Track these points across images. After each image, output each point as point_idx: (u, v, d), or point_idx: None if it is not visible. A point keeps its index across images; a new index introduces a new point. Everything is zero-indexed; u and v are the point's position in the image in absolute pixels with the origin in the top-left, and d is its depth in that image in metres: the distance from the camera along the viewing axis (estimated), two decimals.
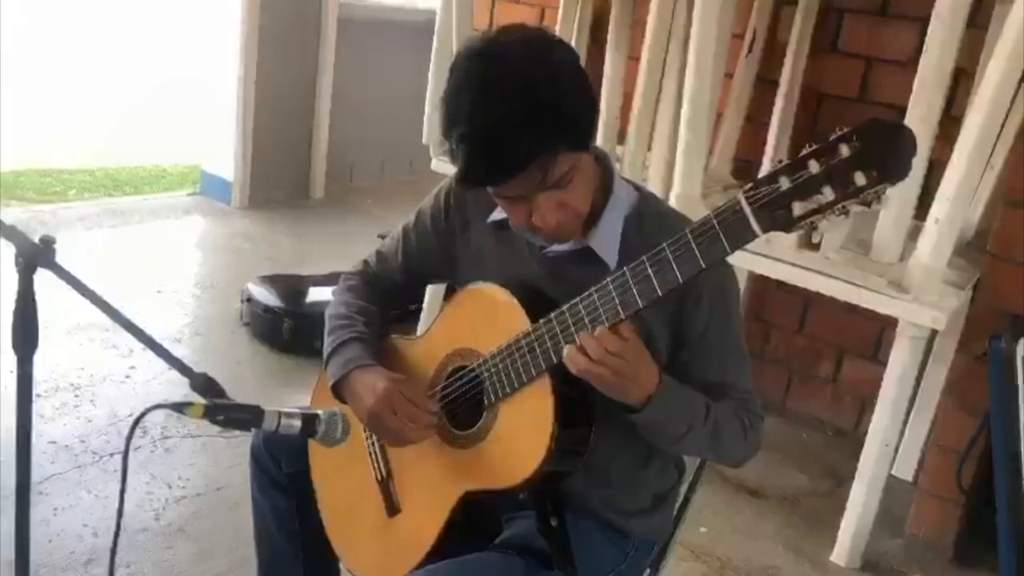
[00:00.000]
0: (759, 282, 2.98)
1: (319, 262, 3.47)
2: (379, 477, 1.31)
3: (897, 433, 2.21)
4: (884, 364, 2.23)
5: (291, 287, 3.12)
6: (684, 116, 2.38)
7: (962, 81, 2.49)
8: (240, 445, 2.37)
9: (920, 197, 2.18)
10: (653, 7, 2.64)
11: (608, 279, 1.09)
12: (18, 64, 7.17)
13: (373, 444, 1.32)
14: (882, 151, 0.94)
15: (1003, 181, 2.38)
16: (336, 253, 3.62)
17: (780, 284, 2.94)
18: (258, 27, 4.19)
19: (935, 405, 2.54)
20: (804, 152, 0.98)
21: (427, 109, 3.00)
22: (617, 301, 1.08)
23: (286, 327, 2.93)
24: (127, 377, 2.66)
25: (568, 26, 3.10)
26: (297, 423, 1.09)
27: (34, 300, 1.24)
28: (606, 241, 1.20)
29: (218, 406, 1.06)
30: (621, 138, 2.80)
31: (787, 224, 0.99)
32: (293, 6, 4.35)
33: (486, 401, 1.21)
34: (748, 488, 2.60)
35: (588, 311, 1.10)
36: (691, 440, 1.19)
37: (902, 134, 0.95)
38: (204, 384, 1.08)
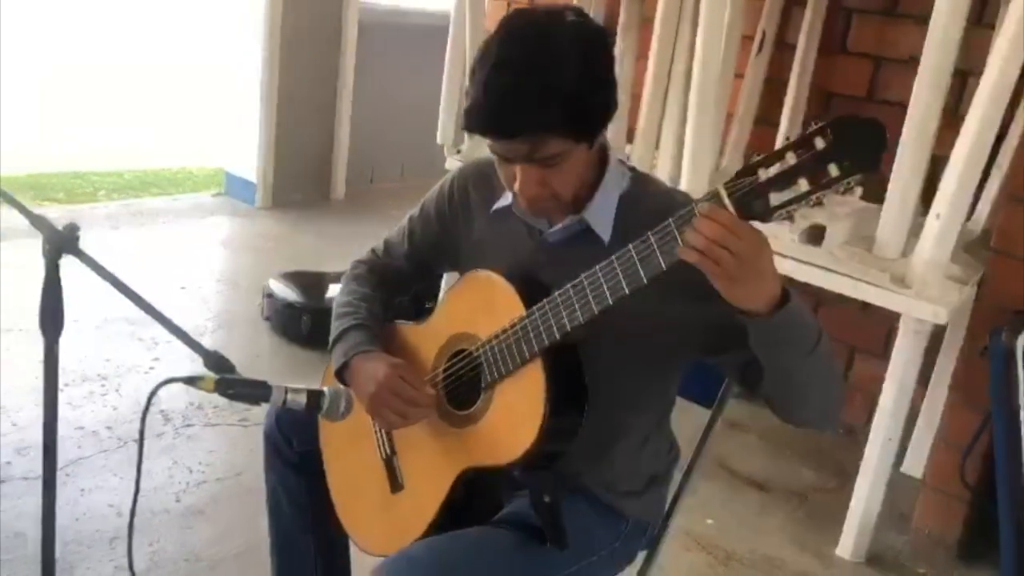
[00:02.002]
0: None
1: (339, 260, 3.52)
2: (384, 455, 1.37)
3: (900, 427, 2.23)
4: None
5: (311, 283, 3.20)
6: (691, 115, 2.43)
7: (971, 81, 2.51)
8: (257, 434, 2.45)
9: (927, 195, 2.21)
10: (660, 7, 2.69)
11: (597, 267, 1.13)
12: (49, 71, 7.36)
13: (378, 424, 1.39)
14: (854, 143, 0.98)
15: (1009, 180, 2.40)
16: (355, 252, 3.65)
17: (791, 281, 2.98)
18: (280, 33, 4.30)
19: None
20: (781, 145, 1.03)
21: (442, 109, 3.07)
22: (605, 287, 1.13)
23: (305, 322, 3.01)
24: (151, 368, 2.75)
25: None
26: (302, 398, 1.16)
27: (60, 285, 1.32)
28: (601, 215, 1.25)
29: (228, 380, 1.13)
30: (630, 137, 2.85)
31: (764, 213, 1.03)
32: (314, 12, 4.45)
33: (483, 383, 1.26)
34: (755, 482, 2.64)
35: (578, 297, 1.15)
36: (823, 354, 1.10)
37: (873, 127, 0.99)
38: (216, 361, 1.15)
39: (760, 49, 2.99)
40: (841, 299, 2.33)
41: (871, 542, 2.34)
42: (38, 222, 1.30)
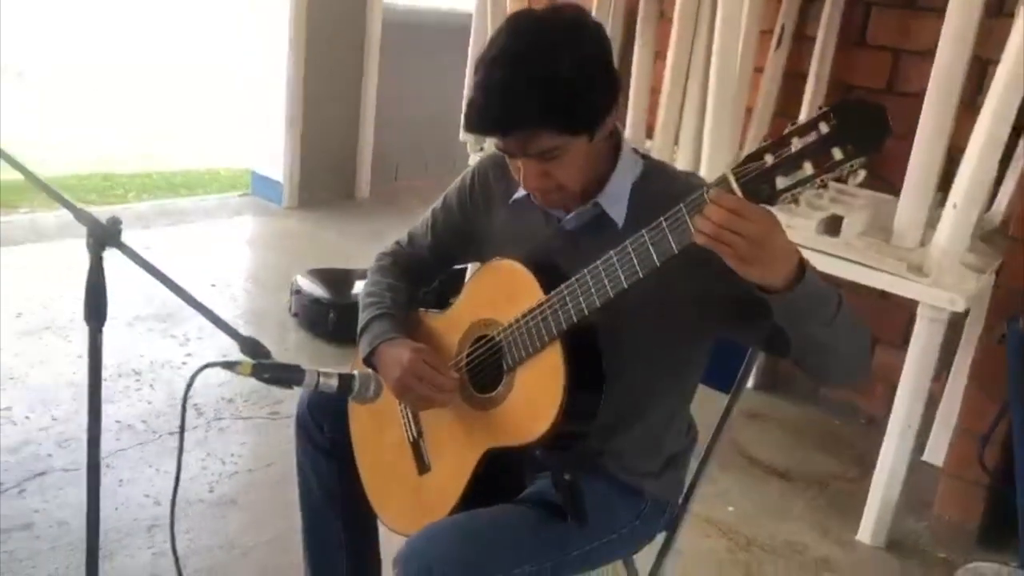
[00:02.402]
0: None
1: (364, 258, 3.56)
2: (411, 438, 1.43)
3: (919, 415, 2.25)
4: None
5: (337, 280, 3.27)
6: (709, 109, 2.47)
7: (991, 71, 2.52)
8: (286, 427, 2.52)
9: (944, 185, 2.23)
10: (678, 3, 2.72)
11: (612, 252, 1.18)
12: (80, 76, 7.51)
13: (405, 408, 1.44)
14: (857, 128, 1.01)
15: None
16: (381, 249, 3.76)
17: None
18: (305, 35, 4.38)
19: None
20: (787, 130, 1.06)
21: (464, 106, 3.12)
22: (620, 272, 1.17)
23: (331, 318, 3.08)
24: (183, 364, 2.83)
25: (602, 23, 3.19)
26: (334, 381, 1.22)
27: (103, 277, 1.38)
28: (614, 201, 1.29)
29: (264, 365, 1.19)
30: (649, 133, 2.89)
31: (770, 197, 1.06)
32: (338, 14, 4.52)
33: (505, 366, 1.31)
34: (777, 471, 2.67)
35: (595, 281, 1.20)
36: (842, 319, 1.13)
37: (875, 111, 1.02)
38: (252, 347, 1.21)
39: (779, 43, 3.01)
40: (860, 290, 2.35)
41: (892, 528, 2.36)
42: (82, 216, 1.36)
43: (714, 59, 2.43)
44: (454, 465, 1.36)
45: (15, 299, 3.11)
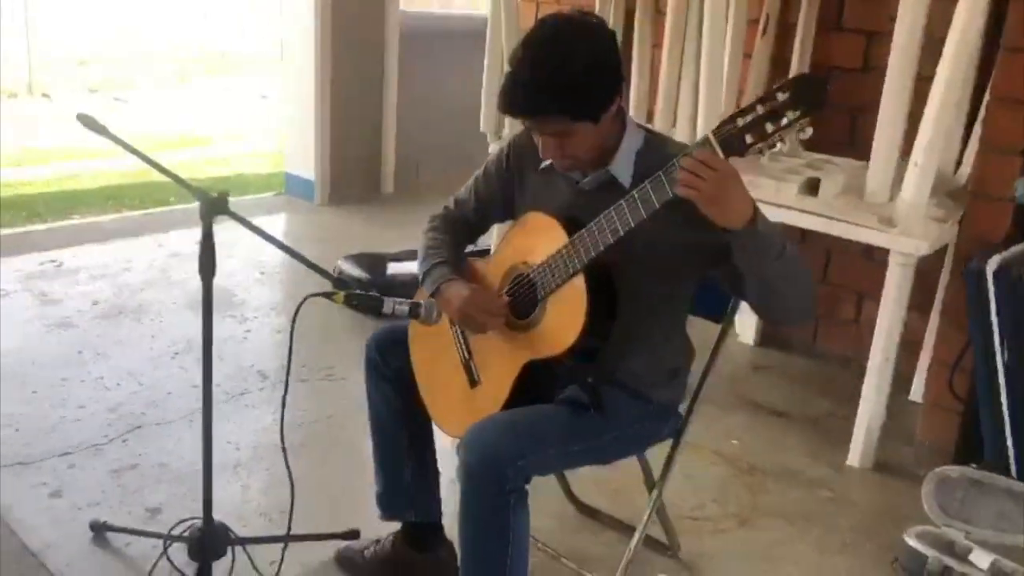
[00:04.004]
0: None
1: (392, 246, 3.97)
2: (462, 359, 1.77)
3: (895, 347, 2.56)
4: None
5: (373, 262, 3.62)
6: (702, 94, 2.80)
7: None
8: (340, 387, 2.87)
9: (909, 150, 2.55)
10: (670, 0, 3.06)
11: (621, 200, 1.52)
12: (124, 85, 7.92)
13: (457, 334, 1.78)
14: (804, 94, 1.35)
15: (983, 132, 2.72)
16: (405, 239, 4.09)
17: (804, 238, 3.33)
18: (330, 46, 4.73)
19: None
20: (754, 99, 1.40)
21: (483, 101, 3.47)
22: (628, 213, 1.51)
23: (373, 294, 3.43)
24: (244, 338, 3.19)
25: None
26: (405, 308, 1.57)
27: (213, 239, 1.73)
28: (622, 167, 1.62)
29: (353, 294, 1.54)
30: (650, 117, 3.22)
31: (741, 150, 1.40)
32: (358, 23, 4.87)
33: (538, 296, 1.65)
34: (776, 411, 2.99)
35: (608, 223, 1.54)
36: (789, 258, 1.45)
37: (817, 81, 1.37)
38: (340, 282, 1.56)
39: (765, 31, 3.33)
40: (848, 248, 2.65)
41: (878, 453, 2.67)
42: (195, 191, 1.71)
43: (703, 48, 2.76)
44: (499, 377, 1.70)
45: (90, 291, 3.48)
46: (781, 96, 1.36)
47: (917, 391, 3.05)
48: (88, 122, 1.69)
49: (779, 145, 1.44)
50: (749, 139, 1.39)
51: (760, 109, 1.38)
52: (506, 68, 1.59)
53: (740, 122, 1.39)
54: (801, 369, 3.35)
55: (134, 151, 1.73)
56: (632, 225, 1.51)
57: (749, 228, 1.42)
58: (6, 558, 1.97)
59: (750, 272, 1.50)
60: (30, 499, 2.19)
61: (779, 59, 3.33)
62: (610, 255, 1.56)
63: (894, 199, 2.51)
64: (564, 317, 1.61)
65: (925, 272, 2.86)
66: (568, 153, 1.60)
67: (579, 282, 1.59)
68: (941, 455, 2.70)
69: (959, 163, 2.83)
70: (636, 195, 1.50)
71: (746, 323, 3.50)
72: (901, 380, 3.05)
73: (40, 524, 2.09)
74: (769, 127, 1.37)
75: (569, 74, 1.51)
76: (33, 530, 2.07)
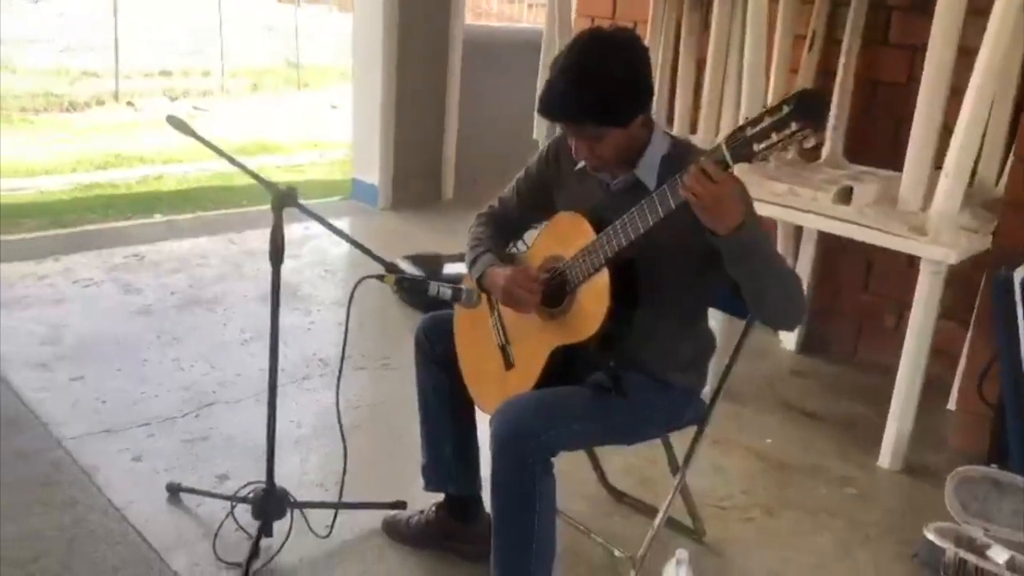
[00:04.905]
0: (828, 249, 3.47)
1: (449, 249, 4.18)
2: (500, 343, 1.94)
3: (926, 352, 2.64)
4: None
5: (430, 262, 3.84)
6: (744, 106, 2.92)
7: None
8: (393, 375, 3.07)
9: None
10: (715, 16, 3.19)
11: (642, 202, 1.67)
12: (202, 95, 8.36)
13: (496, 321, 1.95)
14: (807, 109, 1.48)
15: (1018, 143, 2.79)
16: (462, 243, 4.25)
17: (846, 248, 3.42)
18: (396, 58, 4.98)
19: None
20: (761, 111, 1.54)
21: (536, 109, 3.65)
22: (648, 214, 1.66)
23: (428, 290, 3.64)
24: (308, 329, 3.43)
25: (656, 37, 3.68)
26: (449, 291, 1.76)
27: (282, 229, 1.93)
28: (648, 171, 1.78)
29: (403, 277, 1.73)
30: (693, 128, 3.35)
31: (749, 158, 1.54)
32: (424, 36, 5.11)
33: (568, 287, 1.82)
34: (810, 413, 3.08)
35: (630, 223, 1.69)
36: (777, 265, 1.66)
37: (820, 97, 1.52)
38: (392, 266, 1.75)
39: (811, 46, 3.43)
40: (891, 260, 2.71)
41: (910, 457, 2.74)
42: (267, 184, 1.92)
43: (746, 63, 2.89)
44: (531, 360, 1.87)
45: (169, 282, 3.77)
46: (786, 108, 1.49)
47: (955, 400, 3.10)
48: (177, 124, 1.92)
49: (789, 152, 1.58)
50: (756, 148, 1.53)
51: (767, 120, 1.51)
52: (546, 76, 1.76)
53: (749, 131, 1.53)
54: (840, 376, 3.43)
55: (216, 150, 1.95)
56: (650, 224, 1.66)
57: (734, 235, 1.58)
58: (94, 512, 2.22)
59: (736, 275, 1.67)
60: (115, 462, 2.44)
61: (825, 73, 3.43)
62: (633, 251, 1.71)
63: (927, 209, 2.59)
64: (590, 307, 1.77)
65: (968, 283, 2.93)
66: (597, 155, 1.76)
67: (604, 275, 1.75)
68: (971, 461, 2.75)
69: (1000, 175, 2.89)
70: (655, 197, 1.65)
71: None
72: (941, 390, 3.11)
73: (123, 484, 2.34)
74: (775, 136, 1.50)
75: (602, 85, 1.68)
76: (117, 489, 2.31)
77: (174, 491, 2.30)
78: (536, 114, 1.84)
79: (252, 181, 1.97)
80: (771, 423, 2.99)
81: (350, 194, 5.40)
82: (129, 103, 10.77)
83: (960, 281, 2.93)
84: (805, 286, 3.50)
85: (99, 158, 7.88)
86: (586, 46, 1.73)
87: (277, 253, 1.93)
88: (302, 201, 1.95)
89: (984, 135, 2.69)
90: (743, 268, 1.65)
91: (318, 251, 4.31)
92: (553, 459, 1.74)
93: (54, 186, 6.78)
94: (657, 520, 2.04)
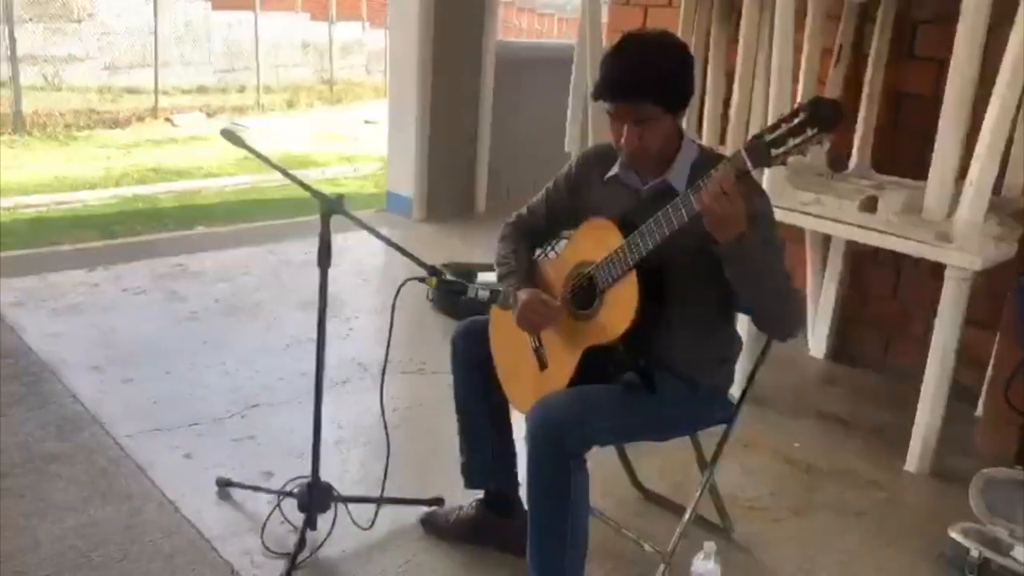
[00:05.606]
0: (856, 259, 3.52)
1: (482, 258, 4.29)
2: (534, 346, 2.03)
3: (952, 357, 2.68)
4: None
5: (463, 272, 3.92)
6: (770, 118, 2.99)
7: None
8: (431, 379, 3.17)
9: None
10: (743, 30, 3.27)
11: (667, 207, 1.76)
12: (240, 112, 8.58)
13: None
14: (821, 115, 1.56)
15: None
16: (493, 254, 4.42)
17: (875, 258, 3.47)
18: (432, 74, 5.12)
19: None
20: (778, 119, 1.62)
21: (568, 123, 3.75)
22: (674, 220, 1.74)
23: (462, 300, 3.74)
24: (347, 335, 3.54)
25: None
26: (487, 293, 1.85)
27: (330, 234, 2.05)
28: (677, 177, 1.87)
29: (443, 280, 1.83)
30: (722, 137, 3.43)
31: (768, 162, 1.63)
32: (458, 52, 5.25)
33: (597, 290, 1.90)
34: (839, 419, 3.13)
35: (657, 227, 1.77)
36: (779, 274, 1.77)
37: (833, 105, 1.59)
38: (433, 270, 1.85)
39: (838, 60, 3.50)
40: (917, 267, 2.76)
41: (938, 462, 2.78)
42: (315, 192, 2.04)
43: (772, 74, 2.97)
44: (564, 361, 1.96)
45: (213, 291, 3.92)
46: (802, 115, 1.58)
47: (982, 406, 3.13)
48: (231, 137, 2.04)
49: (805, 156, 1.66)
50: (774, 152, 1.61)
51: (784, 127, 1.60)
52: (603, 65, 1.83)
53: (767, 137, 1.62)
54: (869, 382, 3.47)
55: (269, 162, 2.07)
56: (675, 227, 1.75)
57: (734, 246, 1.68)
58: (150, 505, 2.34)
59: (731, 277, 1.76)
60: (167, 459, 2.56)
61: (852, 85, 3.49)
62: (659, 255, 1.79)
63: (951, 217, 2.65)
64: (618, 308, 1.86)
65: (997, 291, 2.97)
66: (646, 143, 1.83)
67: (632, 278, 1.84)
68: (998, 465, 2.79)
69: None
70: (679, 201, 1.73)
71: (818, 336, 3.64)
72: (969, 396, 3.15)
73: (175, 479, 2.46)
74: (791, 142, 1.59)
75: (663, 64, 1.80)
76: (170, 484, 2.43)
77: (223, 485, 2.41)
78: (592, 98, 1.92)
79: (287, 195, 2.09)
80: (800, 428, 3.04)
81: (384, 206, 5.54)
82: (167, 119, 11.07)
83: (988, 289, 2.96)
84: (833, 295, 3.57)
85: (140, 173, 8.13)
86: (642, 37, 1.87)
87: (326, 257, 2.04)
88: (336, 215, 2.04)
89: (1010, 145, 2.74)
90: (740, 275, 1.75)
91: (355, 261, 4.43)
92: (586, 456, 1.83)
93: (99, 199, 7.02)
94: (686, 514, 2.11)
